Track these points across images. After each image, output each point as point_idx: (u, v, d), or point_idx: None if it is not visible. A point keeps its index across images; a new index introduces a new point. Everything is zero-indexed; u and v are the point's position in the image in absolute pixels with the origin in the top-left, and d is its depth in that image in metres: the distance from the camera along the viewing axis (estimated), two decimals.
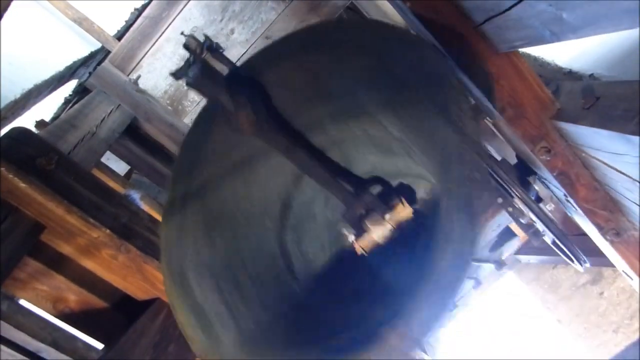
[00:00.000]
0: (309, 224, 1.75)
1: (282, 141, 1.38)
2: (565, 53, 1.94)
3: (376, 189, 1.62)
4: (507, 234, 2.73)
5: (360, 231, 1.51)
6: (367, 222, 1.48)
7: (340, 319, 1.46)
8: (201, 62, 1.15)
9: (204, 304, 1.32)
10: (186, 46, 1.17)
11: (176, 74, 1.16)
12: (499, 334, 4.87)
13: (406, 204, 1.47)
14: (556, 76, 1.97)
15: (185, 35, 1.19)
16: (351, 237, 1.53)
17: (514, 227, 2.56)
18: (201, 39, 1.20)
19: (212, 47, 1.22)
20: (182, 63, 1.16)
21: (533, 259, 4.05)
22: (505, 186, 1.81)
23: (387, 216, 1.46)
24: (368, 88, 1.40)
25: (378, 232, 1.46)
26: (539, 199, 1.95)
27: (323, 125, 1.59)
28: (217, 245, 1.46)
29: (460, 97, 1.12)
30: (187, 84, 1.14)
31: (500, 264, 2.69)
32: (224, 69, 1.28)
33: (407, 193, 1.59)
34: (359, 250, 1.52)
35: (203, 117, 1.59)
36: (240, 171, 1.58)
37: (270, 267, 1.57)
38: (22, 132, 1.76)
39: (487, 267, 2.81)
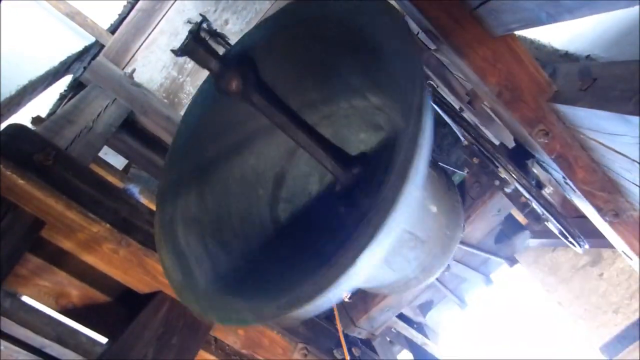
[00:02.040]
0: (303, 199, 1.80)
1: (270, 109, 1.43)
2: (561, 35, 1.93)
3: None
4: (514, 226, 2.70)
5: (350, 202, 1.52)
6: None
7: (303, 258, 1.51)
8: (193, 32, 1.27)
9: (185, 249, 1.41)
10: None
11: (176, 52, 1.31)
12: (499, 318, 4.91)
13: None
14: (553, 58, 1.96)
15: (191, 22, 1.31)
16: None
17: (516, 213, 2.56)
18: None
19: (209, 28, 1.35)
20: None
21: (532, 242, 4.07)
22: (503, 169, 1.81)
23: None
24: (348, 60, 1.45)
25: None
26: (539, 184, 1.95)
27: (313, 100, 1.66)
28: (207, 202, 1.56)
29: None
30: (181, 50, 1.28)
31: (512, 261, 2.65)
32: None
33: None
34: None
35: (202, 94, 1.67)
36: (236, 144, 1.68)
37: (257, 228, 1.66)
38: (18, 128, 1.76)
39: (497, 262, 2.76)
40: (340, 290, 0.96)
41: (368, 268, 1.03)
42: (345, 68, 1.50)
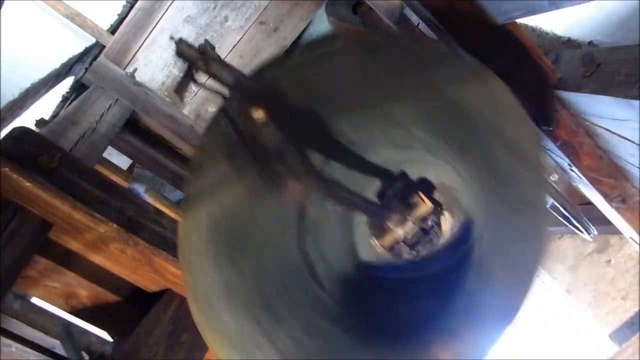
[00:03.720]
0: (324, 224, 1.64)
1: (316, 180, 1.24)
2: (563, 21, 1.92)
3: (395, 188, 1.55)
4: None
5: (380, 232, 1.46)
6: (388, 223, 1.42)
7: (378, 328, 1.38)
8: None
9: (234, 328, 1.26)
10: (179, 54, 1.06)
11: (179, 89, 1.14)
12: None
13: (425, 199, 1.42)
14: (555, 45, 1.95)
15: (175, 40, 1.05)
16: (372, 240, 1.49)
17: None
18: (197, 26, 1.12)
19: (212, 55, 1.09)
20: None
21: None
22: None
23: (409, 215, 1.41)
24: (400, 98, 1.31)
25: (400, 231, 1.43)
26: None
27: (341, 129, 1.46)
28: (241, 265, 1.36)
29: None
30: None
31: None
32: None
33: (425, 187, 1.52)
34: (380, 250, 1.48)
35: (211, 131, 1.46)
36: (252, 185, 1.39)
37: (296, 279, 1.47)
38: (23, 131, 1.76)
39: None
40: None
41: None
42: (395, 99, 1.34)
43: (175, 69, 3.64)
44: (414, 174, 1.50)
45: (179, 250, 1.37)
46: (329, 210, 1.63)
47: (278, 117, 1.09)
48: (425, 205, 1.41)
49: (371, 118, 1.41)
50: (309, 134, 1.33)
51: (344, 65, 1.30)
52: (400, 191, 1.47)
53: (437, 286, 1.42)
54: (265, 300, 1.32)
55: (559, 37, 1.95)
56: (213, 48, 1.07)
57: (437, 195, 1.46)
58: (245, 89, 1.08)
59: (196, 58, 1.05)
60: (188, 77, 1.06)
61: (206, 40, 1.07)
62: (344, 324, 1.40)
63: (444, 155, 1.34)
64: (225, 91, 1.09)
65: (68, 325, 2.15)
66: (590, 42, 1.75)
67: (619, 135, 1.42)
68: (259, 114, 1.05)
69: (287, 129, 1.12)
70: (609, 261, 3.83)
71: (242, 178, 1.31)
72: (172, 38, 1.09)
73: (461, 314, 1.12)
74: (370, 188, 1.54)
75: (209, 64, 1.06)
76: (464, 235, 1.39)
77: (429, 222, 1.43)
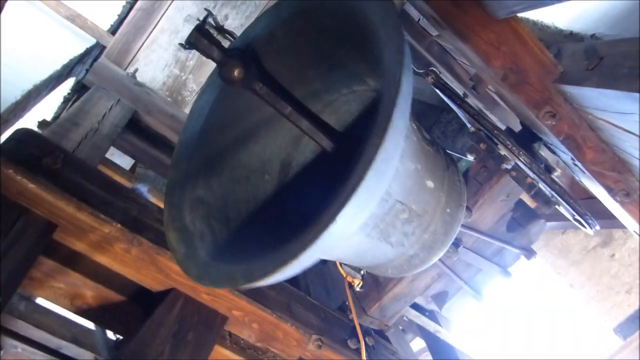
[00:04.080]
0: (308, 184, 1.84)
1: (271, 95, 1.49)
2: (565, 15, 1.92)
3: None
4: (528, 214, 2.66)
5: None
6: None
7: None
8: (198, 25, 1.33)
9: (190, 227, 1.48)
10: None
11: (183, 45, 1.36)
12: (512, 303, 4.90)
13: None
14: (557, 39, 1.94)
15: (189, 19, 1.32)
16: None
17: (526, 199, 2.53)
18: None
19: (216, 23, 1.43)
20: (178, 53, 1.29)
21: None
22: (509, 152, 1.80)
23: None
24: (346, 47, 1.48)
25: None
26: (547, 168, 1.94)
27: (316, 90, 1.71)
28: (214, 188, 1.62)
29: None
30: (186, 42, 1.33)
31: (529, 252, 2.60)
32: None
33: None
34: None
35: (207, 89, 1.70)
36: (242, 135, 1.73)
37: (262, 209, 1.71)
38: (26, 133, 1.76)
39: (514, 255, 2.71)
40: (323, 247, 0.98)
41: (351, 228, 1.08)
42: (344, 55, 1.53)
43: (176, 68, 3.64)
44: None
45: (167, 177, 1.62)
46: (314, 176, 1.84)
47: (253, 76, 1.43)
48: None
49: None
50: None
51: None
52: None
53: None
54: (225, 213, 1.59)
55: (561, 31, 1.94)
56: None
57: None
58: (231, 54, 1.38)
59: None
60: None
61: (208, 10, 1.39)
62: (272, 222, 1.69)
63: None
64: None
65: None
66: (592, 35, 1.75)
67: (623, 129, 1.42)
68: (238, 72, 1.38)
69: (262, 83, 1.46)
70: (612, 255, 3.83)
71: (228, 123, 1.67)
72: (189, 17, 1.37)
73: None
74: None
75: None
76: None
77: None
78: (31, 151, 1.69)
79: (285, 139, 1.83)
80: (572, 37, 1.88)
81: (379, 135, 0.95)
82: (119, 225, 1.73)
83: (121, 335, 2.02)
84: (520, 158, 1.78)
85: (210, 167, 1.65)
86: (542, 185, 1.91)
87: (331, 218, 0.95)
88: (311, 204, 1.73)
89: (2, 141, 1.72)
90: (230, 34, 1.53)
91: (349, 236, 1.27)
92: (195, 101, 1.72)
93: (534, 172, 1.81)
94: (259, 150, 1.78)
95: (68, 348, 2.86)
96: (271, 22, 1.57)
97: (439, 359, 3.05)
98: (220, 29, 1.45)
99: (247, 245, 1.52)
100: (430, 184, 1.51)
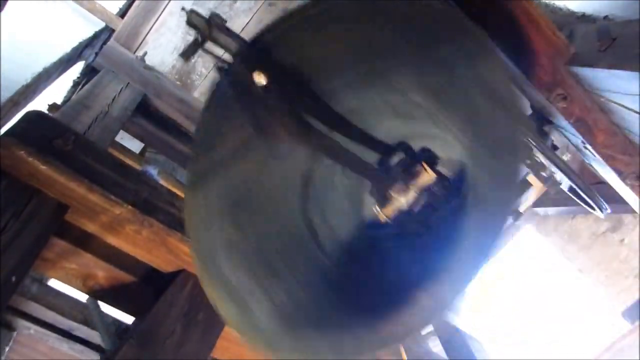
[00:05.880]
0: (331, 194, 1.71)
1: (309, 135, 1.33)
2: None
3: (398, 157, 1.58)
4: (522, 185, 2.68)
5: (383, 200, 1.50)
6: (390, 192, 1.46)
7: (371, 289, 1.46)
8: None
9: (234, 282, 1.34)
10: (190, 23, 1.17)
11: (185, 54, 1.21)
12: (521, 288, 4.91)
13: (429, 169, 1.45)
14: (569, 21, 1.92)
15: (186, 11, 1.17)
16: (375, 208, 1.52)
17: (531, 178, 2.53)
18: (206, 8, 1.18)
19: (219, 24, 1.20)
20: (187, 36, 1.16)
21: (551, 210, 4.04)
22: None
23: (411, 184, 1.45)
24: (391, 56, 1.35)
25: (402, 200, 1.45)
26: (555, 148, 1.93)
27: (339, 96, 1.52)
28: (243, 226, 1.46)
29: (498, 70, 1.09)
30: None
31: (517, 215, 2.64)
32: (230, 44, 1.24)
33: (428, 157, 1.55)
34: (383, 218, 1.51)
35: (216, 96, 1.52)
36: (259, 149, 1.53)
37: (298, 242, 1.56)
38: (37, 115, 1.78)
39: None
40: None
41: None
42: (389, 66, 1.39)
43: None
44: (417, 144, 1.55)
45: (185, 214, 1.44)
46: (335, 180, 1.69)
47: (279, 82, 1.17)
48: (427, 175, 1.43)
49: (371, 84, 1.45)
50: (309, 100, 1.38)
51: (343, 31, 1.34)
52: (402, 160, 1.52)
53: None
54: (265, 258, 1.41)
55: (574, 13, 1.92)
56: (221, 20, 1.17)
57: (440, 167, 1.49)
58: (247, 55, 1.17)
59: (205, 27, 1.14)
60: (196, 45, 1.17)
61: (214, 13, 1.17)
62: (339, 283, 1.49)
63: (440, 120, 1.38)
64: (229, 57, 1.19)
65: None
66: (605, 17, 1.73)
67: (634, 111, 1.40)
68: (260, 78, 1.13)
69: (287, 94, 1.22)
70: (622, 240, 3.81)
71: (245, 141, 1.43)
72: (183, 9, 1.19)
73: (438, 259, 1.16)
74: (372, 159, 1.58)
75: (214, 32, 1.16)
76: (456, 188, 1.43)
77: (434, 191, 1.45)
78: (42, 133, 1.70)
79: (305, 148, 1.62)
80: (584, 19, 1.85)
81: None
82: (129, 206, 1.74)
83: (133, 315, 2.05)
84: (532, 142, 1.77)
85: (234, 200, 1.48)
86: (553, 169, 1.90)
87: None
88: (336, 212, 1.67)
89: (14, 123, 1.73)
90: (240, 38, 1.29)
91: None
92: (201, 119, 1.53)
93: (546, 157, 1.80)
94: (279, 164, 1.58)
95: (80, 329, 2.91)
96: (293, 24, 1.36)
97: (446, 342, 3.06)
98: (220, 27, 1.22)
99: (310, 306, 1.38)
100: None
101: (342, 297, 1.42)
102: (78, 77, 3.64)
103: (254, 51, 1.26)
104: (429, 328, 3.66)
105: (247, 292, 1.32)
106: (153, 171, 2.92)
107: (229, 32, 1.21)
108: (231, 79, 1.24)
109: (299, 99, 1.33)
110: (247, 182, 1.51)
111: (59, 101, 3.50)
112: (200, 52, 1.25)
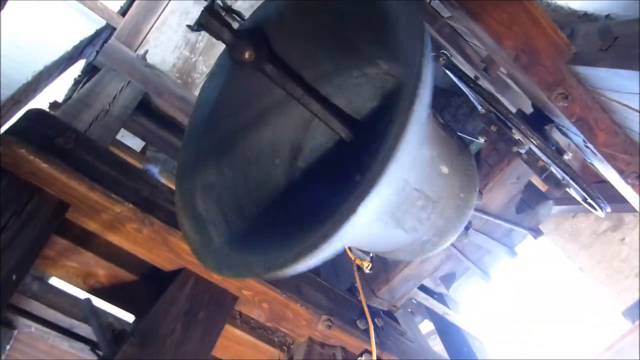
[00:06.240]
0: (318, 166, 1.85)
1: (282, 78, 1.49)
2: None
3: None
4: (537, 196, 2.66)
5: None
6: None
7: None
8: (208, 6, 1.33)
9: (203, 214, 1.49)
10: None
11: (192, 26, 1.36)
12: (521, 286, 4.91)
13: None
14: (570, 20, 1.92)
15: None
16: None
17: (536, 181, 2.53)
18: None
19: (224, 4, 1.44)
20: (187, 35, 1.30)
21: (552, 209, 4.04)
22: (521, 134, 1.79)
23: None
24: (359, 29, 1.47)
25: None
26: (558, 150, 1.93)
27: (326, 71, 1.70)
28: (225, 173, 1.62)
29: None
30: (196, 23, 1.33)
31: (537, 232, 2.60)
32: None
33: None
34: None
35: (217, 71, 1.70)
36: (253, 118, 1.73)
37: (273, 194, 1.73)
38: (38, 113, 1.78)
39: (521, 234, 2.71)
40: (343, 237, 0.99)
41: (371, 217, 1.07)
42: (356, 37, 1.52)
43: (186, 50, 3.64)
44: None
45: (178, 158, 1.64)
46: (326, 158, 1.84)
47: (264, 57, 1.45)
48: None
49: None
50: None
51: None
52: None
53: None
54: (237, 201, 1.59)
55: (575, 12, 1.91)
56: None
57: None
58: (241, 36, 1.39)
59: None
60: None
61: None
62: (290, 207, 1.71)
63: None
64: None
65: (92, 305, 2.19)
66: (607, 16, 1.72)
67: (636, 110, 1.40)
68: (249, 54, 1.40)
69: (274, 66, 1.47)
70: (623, 239, 3.81)
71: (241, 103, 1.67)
72: None
73: None
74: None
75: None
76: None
77: None
78: (43, 131, 1.70)
79: (295, 122, 1.82)
80: (586, 17, 1.85)
81: (400, 126, 0.95)
82: (130, 205, 1.74)
83: (133, 314, 2.06)
84: (534, 141, 1.77)
85: (221, 151, 1.65)
86: (554, 169, 1.90)
87: (352, 209, 0.95)
88: (322, 189, 1.74)
89: (15, 122, 1.73)
90: (239, 14, 1.53)
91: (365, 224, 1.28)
92: (204, 84, 1.71)
93: (547, 156, 1.80)
94: (269, 134, 1.78)
95: (80, 327, 2.91)
96: (281, 2, 1.56)
97: (447, 341, 3.07)
98: (229, 10, 1.45)
99: (262, 234, 1.51)
100: (445, 169, 1.50)
101: (289, 225, 1.52)
102: (79, 76, 3.65)
103: (249, 27, 1.53)
104: (430, 327, 3.66)
105: (211, 223, 1.47)
106: (154, 169, 2.92)
107: (231, 10, 1.47)
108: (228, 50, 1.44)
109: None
110: (236, 141, 1.69)
111: (60, 99, 3.50)
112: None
